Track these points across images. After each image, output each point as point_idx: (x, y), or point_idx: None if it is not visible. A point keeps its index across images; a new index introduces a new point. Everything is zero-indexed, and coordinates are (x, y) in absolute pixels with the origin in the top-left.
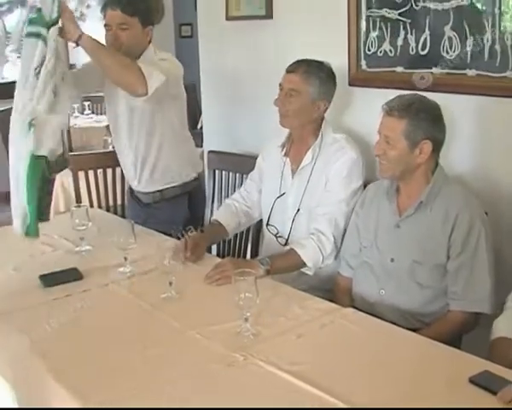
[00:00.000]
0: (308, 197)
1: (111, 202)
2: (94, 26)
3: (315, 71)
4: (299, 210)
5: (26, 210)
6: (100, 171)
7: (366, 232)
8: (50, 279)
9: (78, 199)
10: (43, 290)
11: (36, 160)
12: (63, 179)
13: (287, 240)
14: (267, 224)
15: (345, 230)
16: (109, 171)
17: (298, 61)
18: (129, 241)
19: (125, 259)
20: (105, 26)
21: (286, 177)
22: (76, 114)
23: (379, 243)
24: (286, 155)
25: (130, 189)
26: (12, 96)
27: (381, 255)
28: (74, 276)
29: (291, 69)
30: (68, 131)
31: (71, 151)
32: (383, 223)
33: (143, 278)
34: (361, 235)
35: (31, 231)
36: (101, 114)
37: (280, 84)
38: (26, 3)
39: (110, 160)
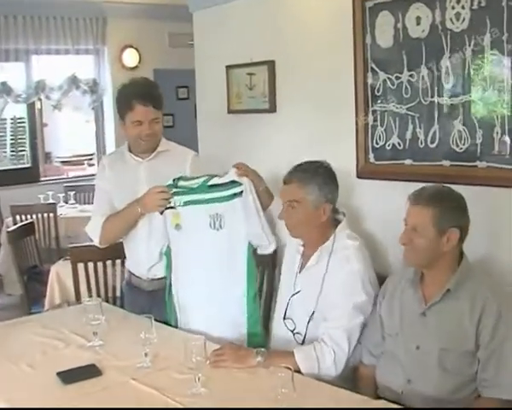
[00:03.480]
0: (323, 302)
1: (110, 294)
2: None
3: (310, 177)
4: (314, 313)
5: None
6: (100, 263)
7: (390, 321)
8: (69, 376)
9: (77, 291)
10: (61, 388)
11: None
12: (58, 270)
13: (304, 338)
14: (284, 317)
15: (349, 344)
16: (109, 262)
17: (292, 171)
18: (148, 336)
19: (146, 354)
20: (135, 121)
21: (298, 274)
22: (61, 203)
23: (404, 331)
24: (301, 253)
25: (129, 279)
26: None
27: (405, 344)
28: (93, 372)
29: (287, 180)
30: (55, 221)
31: (57, 242)
32: (408, 311)
33: (165, 374)
34: (384, 324)
35: None
36: (85, 203)
37: (281, 198)
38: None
39: (111, 252)
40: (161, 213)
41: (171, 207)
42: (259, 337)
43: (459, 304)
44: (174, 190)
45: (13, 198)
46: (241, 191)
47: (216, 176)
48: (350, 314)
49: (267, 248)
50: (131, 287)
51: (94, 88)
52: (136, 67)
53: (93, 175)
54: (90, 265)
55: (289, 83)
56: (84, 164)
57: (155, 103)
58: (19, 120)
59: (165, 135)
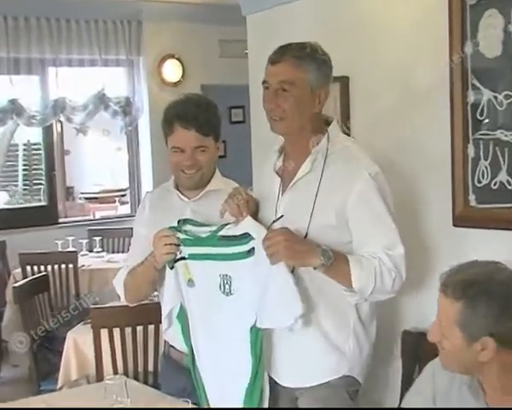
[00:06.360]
0: (319, 218)
1: (140, 368)
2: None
3: (308, 53)
4: (306, 235)
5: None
6: (128, 329)
7: None
8: None
9: (99, 365)
10: None
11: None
12: (76, 337)
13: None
14: None
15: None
16: (139, 328)
17: (282, 47)
18: None
19: None
20: (174, 147)
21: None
22: (83, 251)
23: None
24: (278, 173)
25: (168, 352)
26: None
27: None
28: None
29: (276, 58)
30: (75, 274)
31: (78, 302)
32: None
33: None
34: None
35: None
36: (114, 251)
37: (264, 82)
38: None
39: (142, 315)
40: (171, 267)
41: (183, 258)
42: None
43: None
44: (179, 235)
45: (23, 244)
46: (253, 248)
47: (229, 224)
48: (392, 217)
49: None
50: (170, 362)
51: (127, 108)
52: (178, 82)
53: (125, 216)
54: (116, 331)
55: (366, 104)
56: (114, 202)
57: (200, 128)
58: (33, 147)
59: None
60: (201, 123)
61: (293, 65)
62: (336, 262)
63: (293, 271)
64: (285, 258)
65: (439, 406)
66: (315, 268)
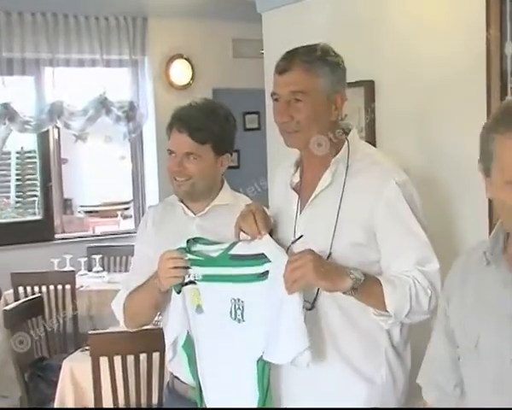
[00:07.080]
0: (343, 234)
1: (143, 400)
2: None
3: (318, 56)
4: (330, 254)
5: None
6: (130, 358)
7: (464, 328)
8: None
9: (98, 396)
10: None
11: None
12: (73, 365)
13: (313, 303)
14: None
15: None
16: (143, 357)
17: (289, 53)
18: None
19: None
20: (168, 150)
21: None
22: (82, 271)
23: (489, 335)
24: (295, 189)
25: (172, 384)
26: None
27: (495, 357)
28: None
29: (284, 66)
30: (73, 296)
31: (75, 326)
32: (493, 306)
33: None
34: (457, 337)
35: None
36: (116, 271)
37: (273, 94)
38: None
39: (146, 342)
40: (178, 291)
41: (191, 282)
42: None
43: None
44: (189, 256)
45: (16, 263)
46: (267, 271)
47: (241, 241)
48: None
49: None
50: (174, 394)
51: (130, 113)
52: (187, 84)
53: (128, 232)
54: (117, 359)
55: (394, 109)
56: (116, 216)
57: (194, 132)
58: (27, 155)
59: (228, 179)
60: (197, 128)
61: (303, 71)
62: (367, 283)
63: (314, 303)
64: (315, 280)
65: (454, 305)
66: (344, 292)
